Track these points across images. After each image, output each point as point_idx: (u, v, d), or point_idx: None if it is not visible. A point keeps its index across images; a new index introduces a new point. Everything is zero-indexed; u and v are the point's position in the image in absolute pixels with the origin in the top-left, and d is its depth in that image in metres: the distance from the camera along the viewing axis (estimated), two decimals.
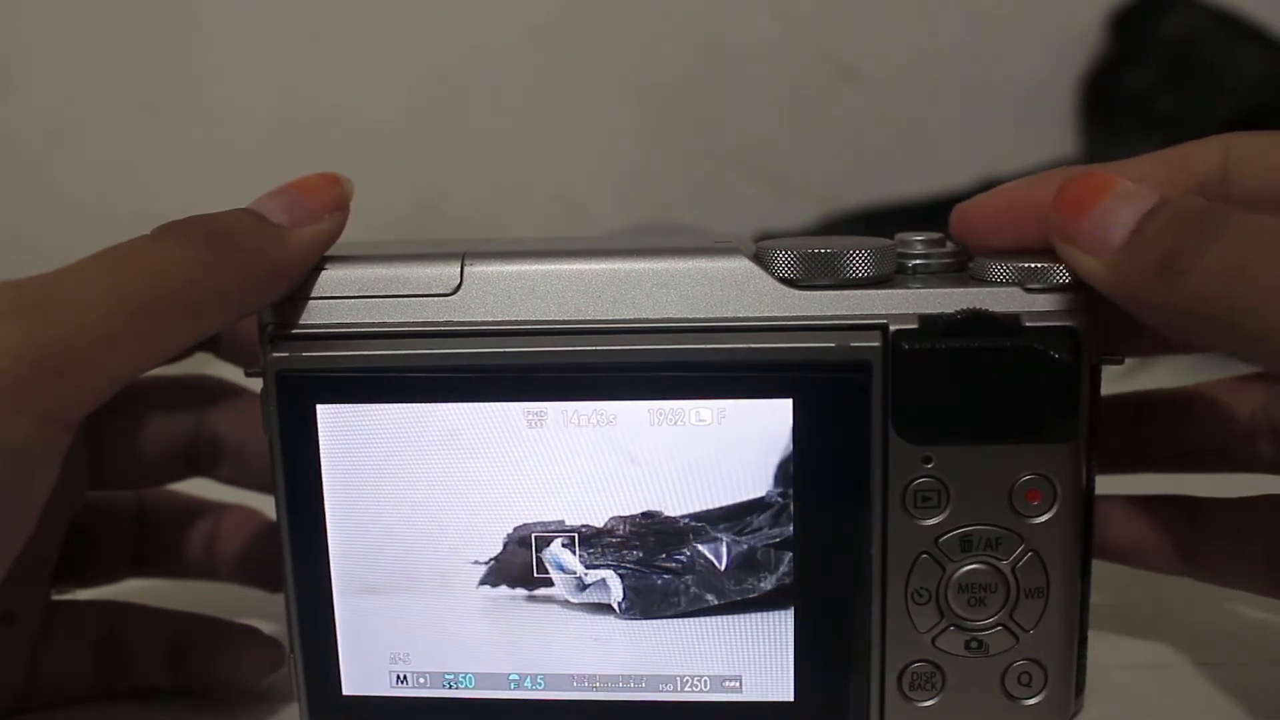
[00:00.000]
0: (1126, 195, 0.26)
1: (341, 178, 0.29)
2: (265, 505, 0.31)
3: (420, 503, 0.28)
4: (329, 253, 0.28)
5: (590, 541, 0.28)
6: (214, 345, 0.33)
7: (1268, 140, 0.28)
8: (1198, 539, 0.31)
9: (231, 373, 0.33)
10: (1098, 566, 0.29)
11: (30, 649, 0.31)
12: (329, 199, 0.28)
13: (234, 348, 0.33)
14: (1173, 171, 0.28)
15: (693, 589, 0.28)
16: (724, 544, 0.28)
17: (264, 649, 0.32)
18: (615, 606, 0.28)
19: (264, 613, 0.34)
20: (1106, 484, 0.30)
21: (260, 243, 0.27)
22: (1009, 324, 0.26)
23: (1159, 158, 0.29)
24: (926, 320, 0.27)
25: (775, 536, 0.28)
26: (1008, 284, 0.27)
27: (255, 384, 0.29)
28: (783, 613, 0.28)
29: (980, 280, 0.28)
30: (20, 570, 0.28)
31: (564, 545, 0.28)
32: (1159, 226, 0.25)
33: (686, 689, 0.29)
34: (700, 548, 0.28)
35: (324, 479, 0.28)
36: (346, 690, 0.29)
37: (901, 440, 0.27)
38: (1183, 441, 0.33)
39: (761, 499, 0.27)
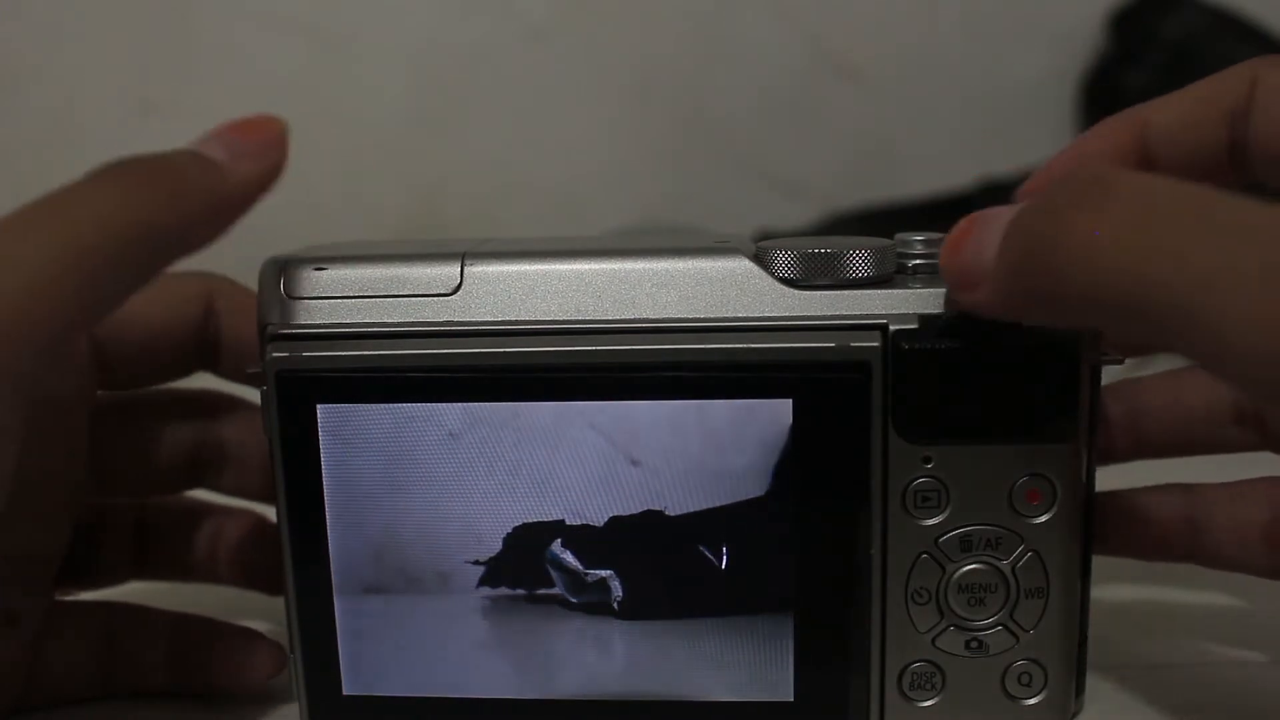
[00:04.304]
0: (987, 219, 0.25)
1: (276, 117, 0.29)
2: (268, 515, 0.31)
3: (420, 503, 0.28)
4: (329, 253, 0.28)
5: (590, 541, 0.28)
6: (214, 362, 0.33)
7: None
8: (1197, 525, 0.30)
9: (231, 390, 0.33)
10: (1098, 564, 0.29)
11: (32, 649, 0.31)
12: (264, 137, 0.28)
13: (233, 365, 0.32)
14: (1203, 105, 0.28)
15: (693, 589, 0.28)
16: (724, 544, 0.28)
17: (264, 652, 0.32)
18: (615, 606, 0.28)
19: (265, 614, 0.34)
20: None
21: (199, 178, 0.27)
22: (1008, 324, 0.26)
23: (1188, 93, 0.28)
24: (926, 320, 0.27)
25: (775, 536, 0.28)
26: None
27: (256, 396, 0.29)
28: (783, 613, 0.28)
29: None
30: (24, 571, 0.28)
31: (564, 545, 0.28)
32: (1024, 220, 0.24)
33: (686, 689, 0.29)
34: (700, 548, 0.28)
35: (324, 479, 0.28)
36: (346, 690, 0.29)
37: (901, 440, 0.27)
38: (1145, 432, 0.33)
39: (761, 499, 0.27)
